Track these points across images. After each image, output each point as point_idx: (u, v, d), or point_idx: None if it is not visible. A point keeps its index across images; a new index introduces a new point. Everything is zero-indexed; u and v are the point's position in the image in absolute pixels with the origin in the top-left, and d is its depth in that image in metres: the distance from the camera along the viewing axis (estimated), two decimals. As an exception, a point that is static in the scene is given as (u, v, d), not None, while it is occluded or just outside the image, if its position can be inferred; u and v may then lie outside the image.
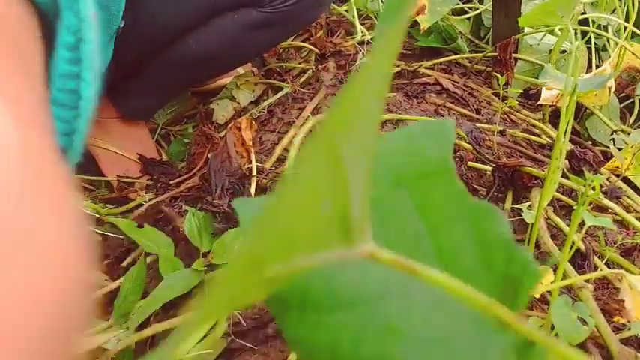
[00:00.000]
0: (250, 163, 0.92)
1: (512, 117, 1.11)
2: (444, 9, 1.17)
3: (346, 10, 1.38)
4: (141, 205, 0.96)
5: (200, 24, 0.87)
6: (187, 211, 0.86)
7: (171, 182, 1.02)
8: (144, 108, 1.02)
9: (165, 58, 0.89)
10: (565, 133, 0.59)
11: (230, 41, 0.90)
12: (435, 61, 1.24)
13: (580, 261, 0.79)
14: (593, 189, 0.53)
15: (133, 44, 0.86)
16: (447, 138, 0.20)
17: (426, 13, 1.16)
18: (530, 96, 1.20)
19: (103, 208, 0.98)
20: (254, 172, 0.89)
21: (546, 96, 0.85)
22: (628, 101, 1.25)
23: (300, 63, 1.30)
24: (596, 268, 0.77)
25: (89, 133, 1.05)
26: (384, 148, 0.20)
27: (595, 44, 1.30)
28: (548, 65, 0.76)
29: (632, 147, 0.95)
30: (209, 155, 1.03)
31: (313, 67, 1.28)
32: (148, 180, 1.04)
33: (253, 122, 0.96)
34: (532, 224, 0.66)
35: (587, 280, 0.69)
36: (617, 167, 0.97)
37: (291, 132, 1.00)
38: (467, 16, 1.32)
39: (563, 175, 0.94)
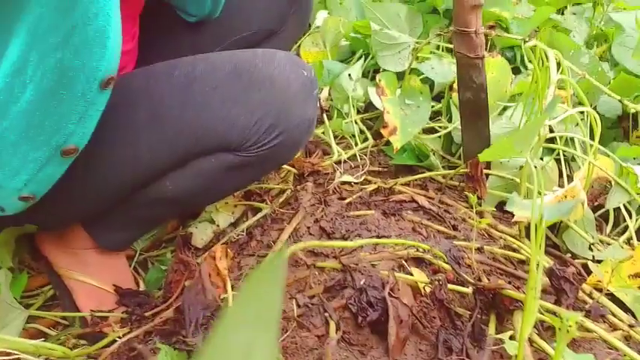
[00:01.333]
0: (227, 292, 0.90)
1: (489, 232, 1.11)
2: (414, 129, 1.22)
3: (322, 132, 1.43)
4: (114, 341, 0.92)
5: (176, 168, 0.88)
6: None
7: (146, 314, 0.99)
8: (121, 240, 1.01)
9: (142, 196, 0.90)
10: (538, 264, 0.59)
11: (207, 183, 0.91)
12: (410, 178, 1.26)
13: (572, 387, 0.76)
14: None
15: (105, 185, 0.88)
16: None
17: (397, 134, 1.20)
18: (506, 210, 1.22)
19: (76, 344, 0.95)
20: (230, 304, 0.86)
21: (519, 214, 0.86)
22: (602, 210, 1.27)
23: (279, 183, 1.32)
24: (588, 395, 0.74)
25: (65, 264, 1.03)
26: None
27: (564, 155, 1.35)
28: (514, 194, 0.78)
29: (611, 261, 0.95)
30: (186, 283, 1.01)
31: (292, 187, 1.30)
32: (123, 312, 1.01)
33: (229, 250, 0.95)
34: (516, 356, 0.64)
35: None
36: (599, 281, 0.97)
37: (268, 257, 0.99)
38: (438, 134, 1.37)
39: (546, 291, 0.93)
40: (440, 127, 1.38)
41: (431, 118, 1.40)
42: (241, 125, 0.85)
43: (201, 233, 1.22)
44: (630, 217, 1.19)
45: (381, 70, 1.47)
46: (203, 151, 0.87)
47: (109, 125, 0.79)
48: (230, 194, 1.17)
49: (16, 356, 0.67)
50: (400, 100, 1.33)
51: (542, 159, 1.21)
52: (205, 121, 0.85)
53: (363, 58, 1.59)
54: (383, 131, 1.25)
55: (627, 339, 0.86)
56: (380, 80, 1.33)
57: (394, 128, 1.23)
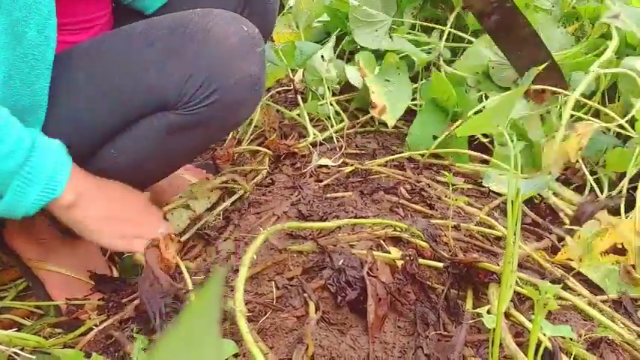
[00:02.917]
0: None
1: (465, 210, 1.12)
2: (403, 104, 1.24)
3: (298, 114, 1.41)
4: (91, 329, 0.90)
5: (118, 131, 0.87)
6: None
7: (123, 300, 0.97)
8: None
9: (89, 168, 0.86)
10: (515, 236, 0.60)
11: (152, 147, 0.89)
12: (387, 158, 1.26)
13: None
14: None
15: None
16: None
17: (387, 112, 1.22)
18: (482, 185, 1.23)
19: (51, 333, 0.93)
20: (190, 286, 0.86)
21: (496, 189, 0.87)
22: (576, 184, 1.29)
23: (255, 166, 1.31)
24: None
25: (34, 255, 1.00)
26: None
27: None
28: (490, 170, 0.78)
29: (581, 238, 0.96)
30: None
31: (269, 169, 1.29)
32: (99, 299, 0.99)
33: (173, 235, 0.95)
34: (493, 329, 0.64)
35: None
36: (569, 259, 0.97)
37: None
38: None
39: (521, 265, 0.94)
40: (415, 105, 1.38)
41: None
42: (176, 80, 0.82)
43: (177, 219, 1.19)
44: (602, 192, 1.21)
45: (359, 47, 1.47)
46: (142, 109, 0.85)
47: (51, 87, 0.78)
48: (181, 162, 1.12)
49: (-12, 347, 0.66)
50: (380, 79, 1.33)
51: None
52: (141, 77, 0.83)
53: (336, 39, 1.58)
54: (372, 111, 1.26)
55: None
56: (359, 60, 1.33)
57: (383, 107, 1.24)
